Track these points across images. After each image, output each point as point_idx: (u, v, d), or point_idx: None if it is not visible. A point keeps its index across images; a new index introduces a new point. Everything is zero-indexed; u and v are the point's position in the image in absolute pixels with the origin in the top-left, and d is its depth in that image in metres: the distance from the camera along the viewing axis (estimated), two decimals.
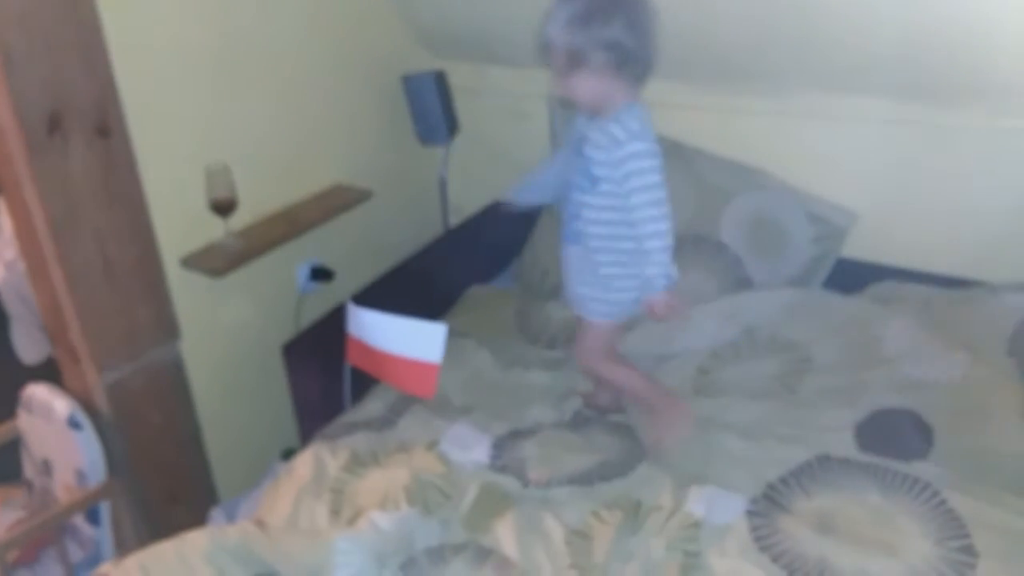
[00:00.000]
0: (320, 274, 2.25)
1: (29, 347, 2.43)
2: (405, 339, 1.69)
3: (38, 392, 1.84)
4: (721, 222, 2.12)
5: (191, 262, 1.90)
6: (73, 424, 1.76)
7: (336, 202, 2.23)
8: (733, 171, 2.16)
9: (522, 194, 1.81)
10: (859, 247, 2.13)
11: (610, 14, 1.48)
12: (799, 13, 1.81)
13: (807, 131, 2.10)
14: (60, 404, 1.78)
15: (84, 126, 1.64)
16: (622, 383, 1.79)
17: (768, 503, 1.50)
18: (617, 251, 1.64)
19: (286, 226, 2.09)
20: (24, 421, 1.91)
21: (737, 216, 2.11)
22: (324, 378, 1.94)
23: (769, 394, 1.80)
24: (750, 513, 1.47)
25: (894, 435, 1.65)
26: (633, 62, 1.52)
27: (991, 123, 1.88)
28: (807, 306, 2.01)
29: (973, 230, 1.99)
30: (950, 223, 2.02)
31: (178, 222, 1.86)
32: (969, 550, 1.37)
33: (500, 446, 1.71)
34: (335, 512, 1.56)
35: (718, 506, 1.49)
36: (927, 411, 1.69)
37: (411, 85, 2.44)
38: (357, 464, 1.66)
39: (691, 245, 2.11)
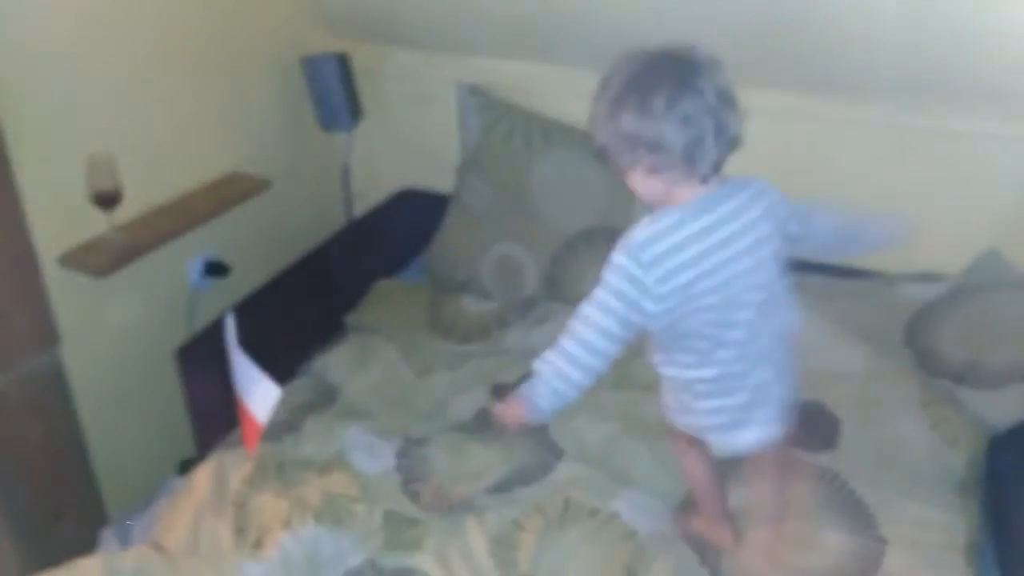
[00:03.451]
0: (215, 269, 2.11)
1: None
2: (248, 382, 1.53)
3: None
4: (633, 215, 2.10)
5: (71, 260, 1.74)
6: None
7: (232, 192, 2.10)
8: None
9: None
10: None
11: (622, 102, 1.16)
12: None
13: None
14: None
15: None
16: None
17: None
18: None
19: (177, 219, 1.95)
20: None
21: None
22: (223, 383, 1.82)
23: None
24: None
25: (802, 426, 1.69)
26: (664, 155, 1.16)
27: (884, 115, 1.94)
28: None
29: None
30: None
31: (56, 216, 1.70)
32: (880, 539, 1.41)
33: (404, 454, 1.65)
34: (240, 530, 1.47)
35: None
36: (833, 403, 1.74)
37: (311, 68, 2.32)
38: (261, 477, 1.57)
39: (605, 239, 2.07)
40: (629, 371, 1.87)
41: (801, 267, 2.08)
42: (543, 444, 1.69)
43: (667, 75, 1.14)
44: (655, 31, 1.81)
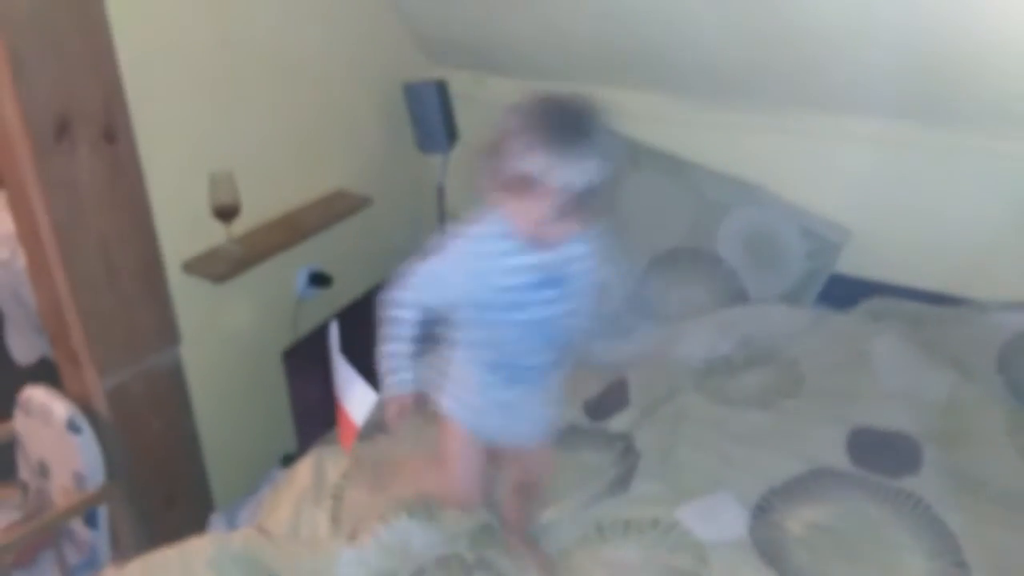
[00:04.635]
0: (319, 279, 2.25)
1: (23, 347, 2.43)
2: (347, 385, 1.59)
3: (36, 394, 1.84)
4: (718, 236, 2.15)
5: (193, 267, 1.90)
6: (72, 427, 1.76)
7: (336, 208, 2.24)
8: (731, 186, 2.19)
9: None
10: (852, 263, 2.16)
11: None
12: (798, 34, 1.85)
13: (804, 148, 2.13)
14: (59, 407, 1.78)
15: (91, 131, 1.64)
16: None
17: (764, 513, 1.53)
18: None
19: (287, 232, 2.10)
20: (21, 423, 1.90)
21: (734, 230, 2.14)
22: (323, 384, 1.94)
23: (762, 406, 1.83)
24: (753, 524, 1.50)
25: (884, 450, 1.68)
26: None
27: (983, 144, 1.92)
28: (800, 321, 2.04)
29: (963, 248, 2.03)
30: (941, 241, 2.06)
31: (181, 227, 1.87)
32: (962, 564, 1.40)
33: None
34: (336, 520, 1.58)
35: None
36: (915, 427, 1.72)
37: (412, 93, 2.45)
38: (357, 472, 1.67)
39: (688, 258, 2.14)
40: (705, 389, 1.91)
41: (893, 291, 2.10)
42: (624, 454, 1.73)
43: None
44: (737, 61, 1.85)
